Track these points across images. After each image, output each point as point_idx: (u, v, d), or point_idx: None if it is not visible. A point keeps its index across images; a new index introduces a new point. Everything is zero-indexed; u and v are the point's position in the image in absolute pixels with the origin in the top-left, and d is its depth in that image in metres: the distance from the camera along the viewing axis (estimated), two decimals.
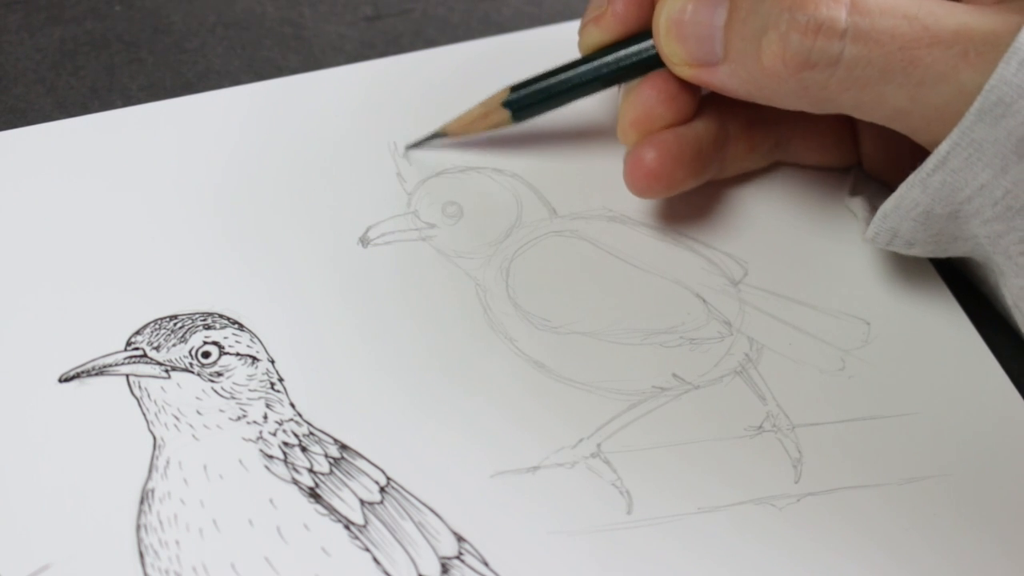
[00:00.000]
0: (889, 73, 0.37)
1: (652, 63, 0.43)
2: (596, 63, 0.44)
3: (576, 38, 0.45)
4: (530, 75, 0.45)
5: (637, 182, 0.43)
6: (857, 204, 0.45)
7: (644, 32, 0.43)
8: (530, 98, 0.45)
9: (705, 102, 0.44)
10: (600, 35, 0.44)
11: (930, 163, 0.38)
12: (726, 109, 0.44)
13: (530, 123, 0.47)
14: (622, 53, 0.43)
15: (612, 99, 0.49)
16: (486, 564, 0.38)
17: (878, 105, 0.39)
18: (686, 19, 0.41)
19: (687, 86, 0.43)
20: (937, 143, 0.38)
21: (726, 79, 0.41)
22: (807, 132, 0.47)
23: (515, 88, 0.45)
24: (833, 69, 0.38)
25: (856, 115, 0.40)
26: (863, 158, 0.47)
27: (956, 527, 0.40)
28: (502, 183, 0.47)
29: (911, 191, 0.39)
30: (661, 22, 0.42)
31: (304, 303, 0.43)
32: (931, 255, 0.43)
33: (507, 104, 0.45)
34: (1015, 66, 0.36)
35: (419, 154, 0.47)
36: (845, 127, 0.47)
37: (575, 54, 0.45)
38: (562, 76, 0.44)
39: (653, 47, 0.43)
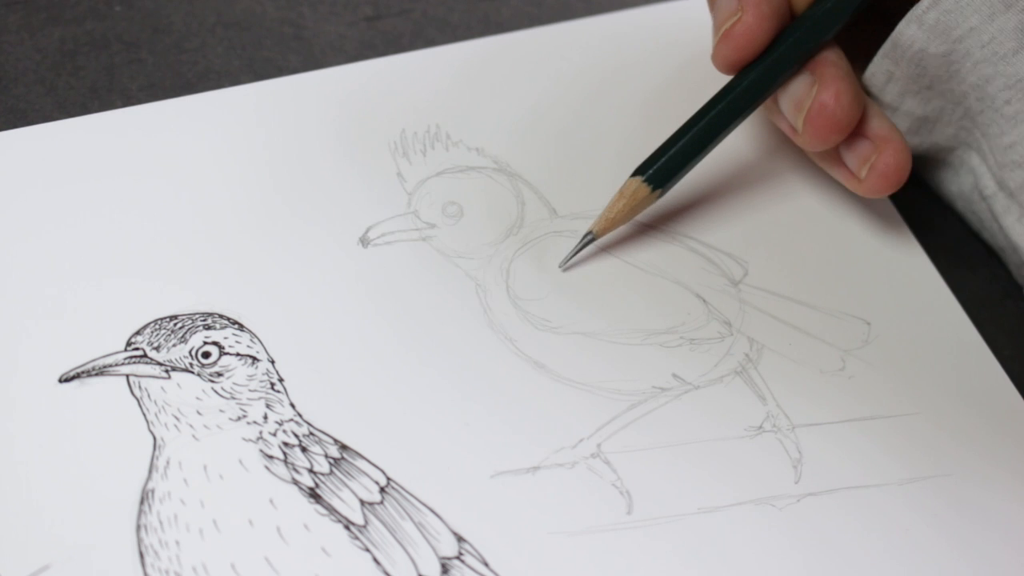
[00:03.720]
0: None
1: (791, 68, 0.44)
2: (727, 100, 0.44)
3: (575, 37, 0.44)
4: (656, 144, 0.44)
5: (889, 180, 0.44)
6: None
7: (772, 52, 0.43)
8: (670, 168, 0.44)
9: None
10: (735, 53, 0.43)
11: (925, 2, 0.42)
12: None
13: (531, 124, 0.47)
14: (754, 87, 0.43)
15: (611, 99, 0.49)
16: (486, 564, 0.38)
17: None
18: None
19: (858, 85, 0.44)
20: None
21: None
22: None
23: (647, 164, 0.44)
24: None
25: None
26: None
27: (956, 527, 0.40)
28: (502, 183, 0.47)
29: (908, 27, 0.43)
30: None
31: (304, 303, 0.43)
32: (914, 129, 0.46)
33: (648, 180, 0.43)
34: None
35: (419, 155, 0.47)
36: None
37: (574, 54, 0.44)
38: (698, 129, 0.44)
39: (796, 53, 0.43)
